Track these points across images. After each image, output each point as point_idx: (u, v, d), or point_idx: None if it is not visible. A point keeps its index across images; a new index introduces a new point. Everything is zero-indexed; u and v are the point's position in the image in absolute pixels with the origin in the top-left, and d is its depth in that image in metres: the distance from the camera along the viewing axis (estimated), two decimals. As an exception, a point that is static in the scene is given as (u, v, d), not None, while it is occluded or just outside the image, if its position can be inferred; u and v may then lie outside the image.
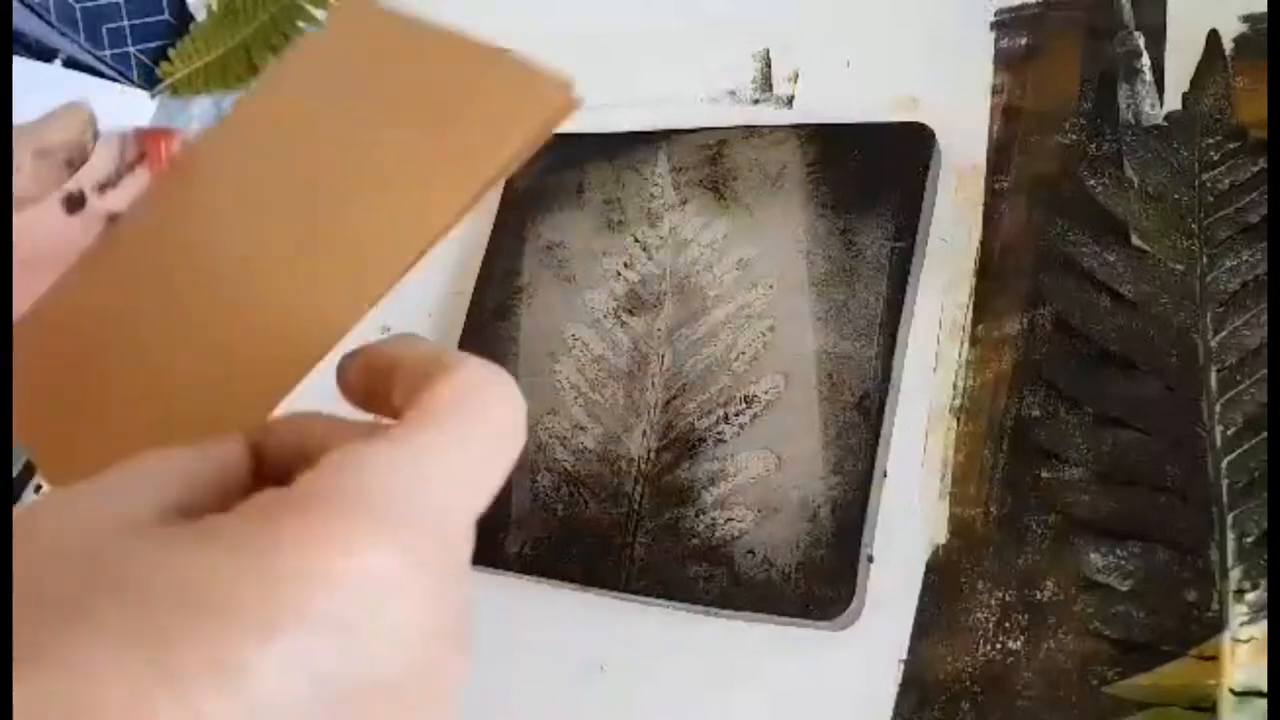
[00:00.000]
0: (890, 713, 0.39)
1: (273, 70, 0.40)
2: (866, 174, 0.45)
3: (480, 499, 0.23)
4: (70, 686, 0.18)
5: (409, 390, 0.24)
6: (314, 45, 0.40)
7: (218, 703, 0.18)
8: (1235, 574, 0.36)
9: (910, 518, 0.41)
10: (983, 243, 0.44)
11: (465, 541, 0.22)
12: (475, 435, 0.23)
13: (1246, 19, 0.43)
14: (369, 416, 0.27)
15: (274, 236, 0.35)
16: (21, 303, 0.38)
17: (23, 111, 0.66)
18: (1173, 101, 0.43)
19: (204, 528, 0.21)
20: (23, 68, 0.68)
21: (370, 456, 0.21)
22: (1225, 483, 0.37)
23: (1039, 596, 0.38)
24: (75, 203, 0.37)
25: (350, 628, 0.19)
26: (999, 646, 0.38)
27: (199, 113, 0.70)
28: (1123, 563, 0.37)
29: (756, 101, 0.51)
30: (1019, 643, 0.38)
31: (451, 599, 0.21)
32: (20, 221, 0.35)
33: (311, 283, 0.33)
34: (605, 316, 0.49)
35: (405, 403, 0.24)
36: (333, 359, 0.29)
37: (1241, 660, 0.35)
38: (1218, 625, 0.35)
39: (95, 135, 0.37)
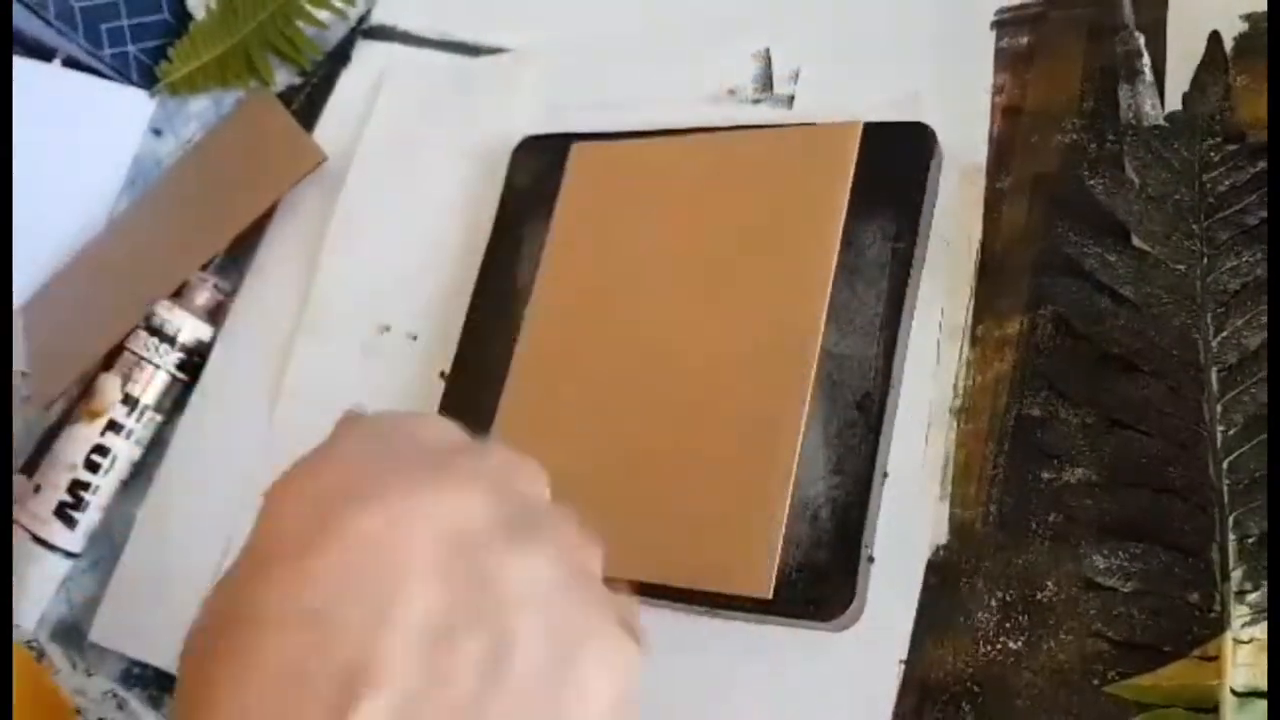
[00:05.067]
0: (890, 713, 0.39)
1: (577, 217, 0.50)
2: (867, 174, 0.45)
3: None
4: None
5: None
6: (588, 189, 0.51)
7: None
8: (1236, 575, 0.36)
9: (911, 518, 0.41)
10: (983, 243, 0.44)
11: None
12: None
13: (1248, 18, 0.43)
14: None
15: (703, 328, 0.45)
16: None
17: (22, 110, 0.66)
18: (1174, 102, 0.43)
19: None
20: (22, 67, 0.68)
21: None
22: (1226, 483, 0.37)
23: (1040, 597, 0.38)
24: None
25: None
26: (999, 647, 0.38)
27: (198, 112, 0.70)
28: (1124, 564, 0.37)
29: (757, 101, 0.51)
30: (1019, 643, 0.38)
31: None
32: None
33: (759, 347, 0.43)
34: (605, 316, 0.49)
35: None
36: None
37: (1243, 661, 0.35)
38: (1219, 626, 0.35)
39: None
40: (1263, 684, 0.34)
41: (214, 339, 0.61)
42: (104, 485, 0.60)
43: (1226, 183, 0.40)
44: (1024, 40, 0.47)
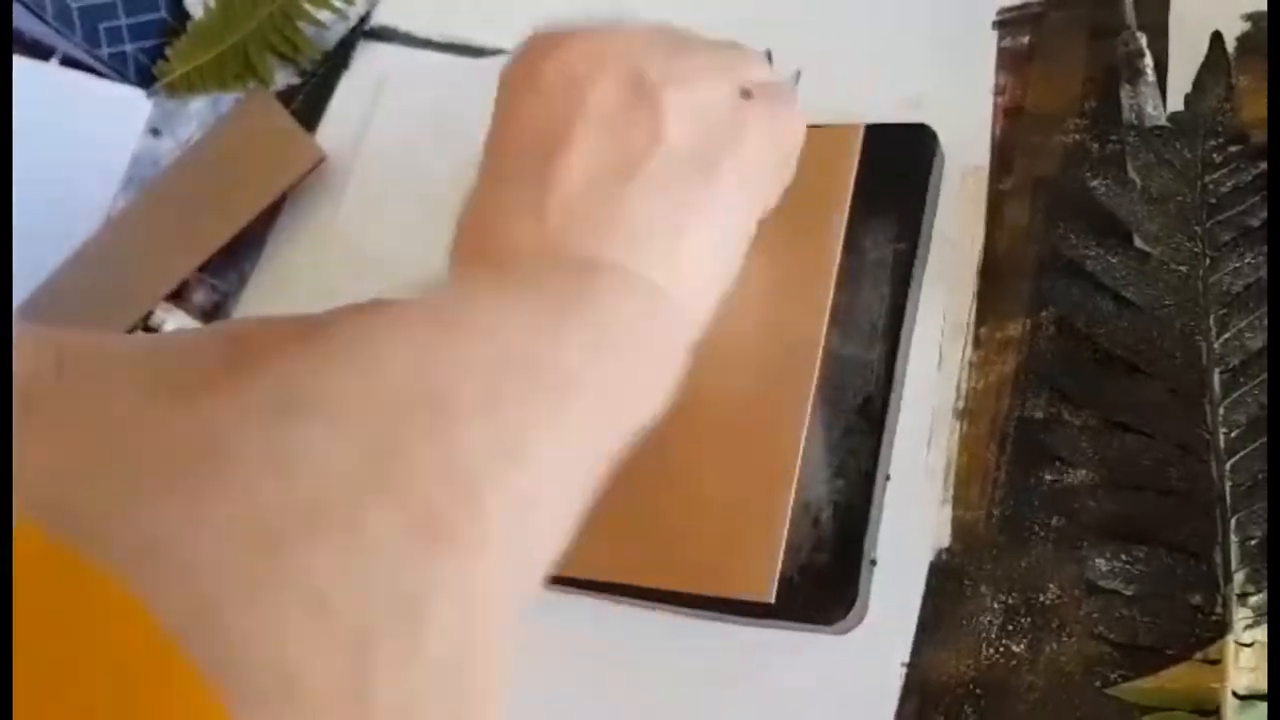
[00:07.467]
0: (893, 716, 0.38)
1: None
2: (869, 175, 0.44)
3: None
4: None
5: None
6: None
7: None
8: (1239, 577, 0.36)
9: (913, 521, 0.41)
10: (986, 244, 0.44)
11: None
12: None
13: (1249, 17, 0.43)
14: None
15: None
16: None
17: (20, 109, 0.66)
18: (1176, 102, 0.43)
19: None
20: (19, 66, 0.67)
21: None
22: (1228, 485, 0.37)
23: (1042, 600, 0.38)
24: None
25: None
26: (1002, 650, 0.38)
27: (196, 112, 0.70)
28: (1127, 567, 0.37)
29: (757, 102, 0.51)
30: (1022, 646, 0.38)
31: None
32: None
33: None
34: (606, 318, 0.49)
35: None
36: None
37: (1245, 664, 0.35)
38: (1221, 629, 0.35)
39: None
40: (1264, 687, 0.34)
41: (213, 339, 0.61)
42: (104, 486, 0.59)
43: (1229, 184, 0.40)
44: (1025, 40, 0.47)
